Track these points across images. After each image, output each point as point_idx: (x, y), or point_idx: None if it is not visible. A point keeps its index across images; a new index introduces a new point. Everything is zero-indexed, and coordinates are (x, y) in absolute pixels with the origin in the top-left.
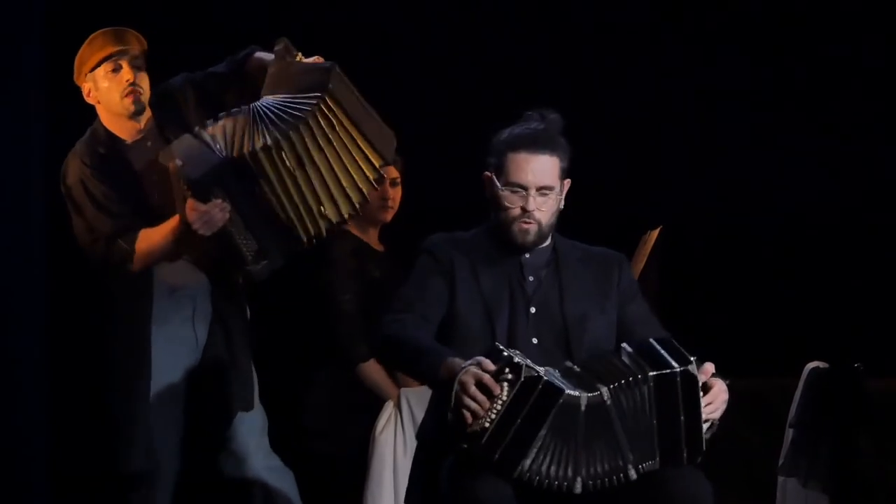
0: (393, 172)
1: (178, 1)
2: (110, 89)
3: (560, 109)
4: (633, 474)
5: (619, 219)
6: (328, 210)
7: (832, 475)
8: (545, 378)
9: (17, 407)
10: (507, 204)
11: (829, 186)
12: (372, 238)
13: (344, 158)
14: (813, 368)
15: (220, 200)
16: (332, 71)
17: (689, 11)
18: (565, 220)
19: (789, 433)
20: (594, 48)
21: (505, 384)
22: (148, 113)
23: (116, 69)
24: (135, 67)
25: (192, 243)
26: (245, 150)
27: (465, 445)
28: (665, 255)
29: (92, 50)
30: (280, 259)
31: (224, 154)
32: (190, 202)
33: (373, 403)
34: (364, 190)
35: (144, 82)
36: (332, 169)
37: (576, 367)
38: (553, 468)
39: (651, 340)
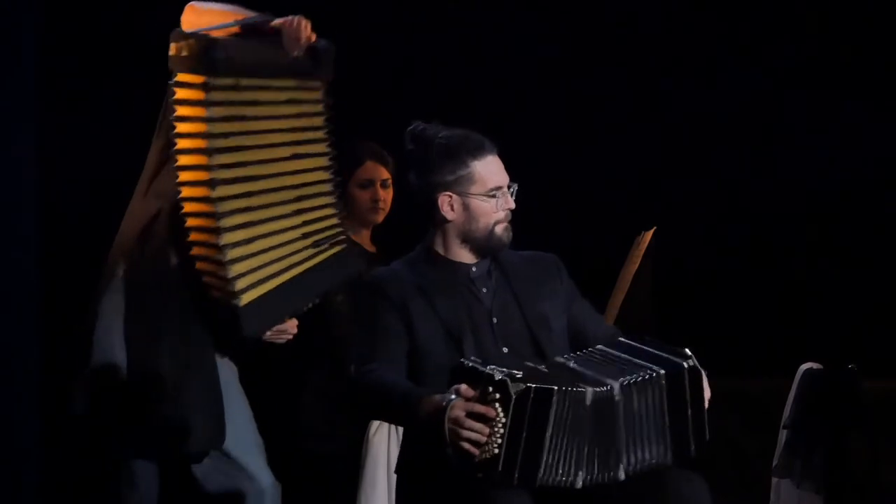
0: (384, 174)
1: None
2: None
3: (556, 110)
4: (622, 475)
5: (613, 219)
6: None
7: (826, 476)
8: (534, 385)
9: (10, 408)
10: (489, 211)
11: (823, 187)
12: (364, 239)
13: None
14: (807, 369)
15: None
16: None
17: (688, 12)
18: (560, 221)
19: (783, 434)
20: (590, 49)
21: (496, 405)
22: None
23: None
24: None
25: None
26: None
27: (481, 475)
28: (659, 256)
29: None
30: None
31: None
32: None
33: None
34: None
35: None
36: None
37: (574, 363)
38: (562, 467)
39: (626, 340)
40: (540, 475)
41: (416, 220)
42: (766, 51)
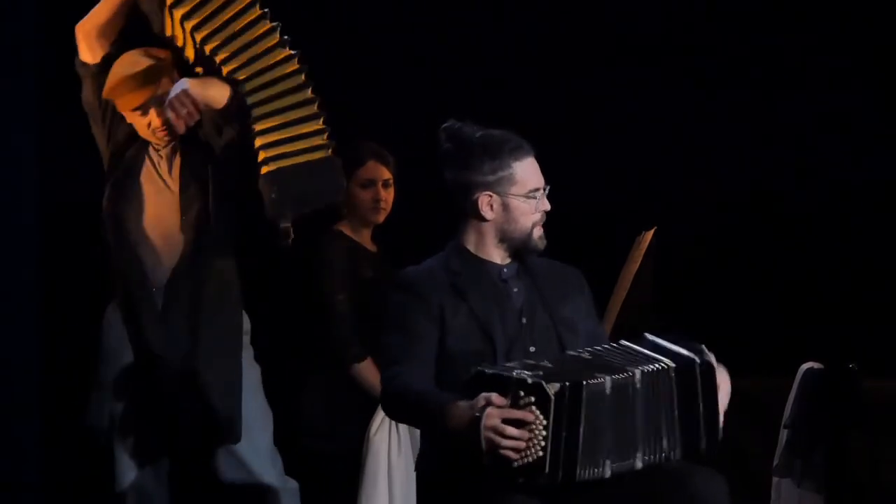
0: (386, 174)
1: None
2: None
3: (555, 110)
4: (639, 464)
5: (613, 220)
6: None
7: (827, 476)
8: (568, 383)
9: (10, 408)
10: (528, 212)
11: (823, 187)
12: (365, 238)
13: None
14: (808, 369)
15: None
16: None
17: (687, 13)
18: (560, 221)
19: (784, 434)
20: (590, 49)
21: (532, 408)
22: None
23: None
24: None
25: None
26: None
27: (523, 480)
28: (659, 256)
29: None
30: None
31: None
32: None
33: (367, 404)
34: None
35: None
36: None
37: (586, 354)
38: (592, 459)
39: (651, 336)
40: (578, 471)
41: (416, 220)
42: (766, 50)
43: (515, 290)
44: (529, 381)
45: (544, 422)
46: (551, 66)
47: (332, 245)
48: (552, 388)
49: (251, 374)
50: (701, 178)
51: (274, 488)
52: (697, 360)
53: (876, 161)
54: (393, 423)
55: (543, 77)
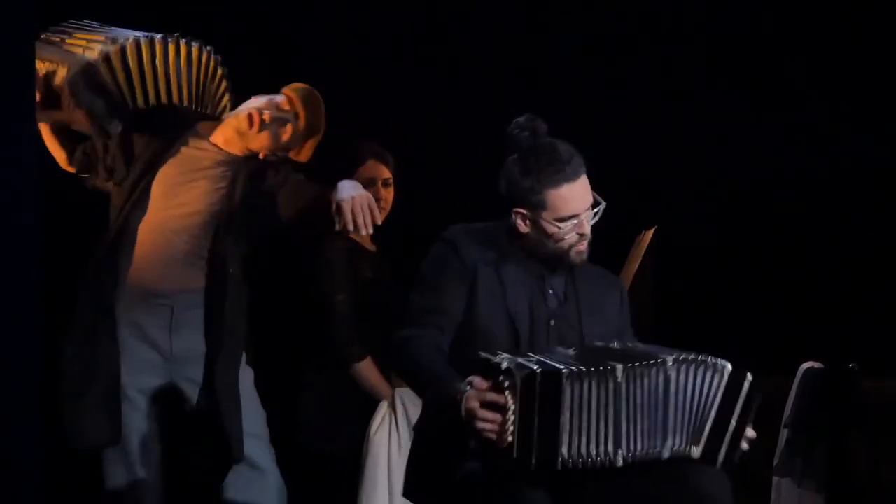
0: (385, 173)
1: None
2: None
3: (554, 109)
4: (665, 454)
5: (613, 219)
6: None
7: (827, 475)
8: (539, 370)
9: (10, 408)
10: (562, 236)
11: (824, 187)
12: (364, 238)
13: None
14: (808, 368)
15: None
16: None
17: (687, 13)
18: None
19: (784, 433)
20: (590, 49)
21: (507, 392)
22: None
23: None
24: None
25: None
26: None
27: (499, 463)
28: (659, 256)
29: None
30: None
31: None
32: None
33: (367, 403)
34: None
35: None
36: None
37: (618, 345)
38: (594, 446)
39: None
40: (562, 458)
41: (416, 220)
42: (767, 50)
43: (551, 291)
44: (503, 365)
45: (513, 406)
46: (551, 65)
47: (332, 245)
48: (521, 374)
49: (245, 378)
50: (701, 178)
51: (265, 470)
52: (749, 375)
53: (876, 161)
54: (393, 422)
55: (543, 77)
